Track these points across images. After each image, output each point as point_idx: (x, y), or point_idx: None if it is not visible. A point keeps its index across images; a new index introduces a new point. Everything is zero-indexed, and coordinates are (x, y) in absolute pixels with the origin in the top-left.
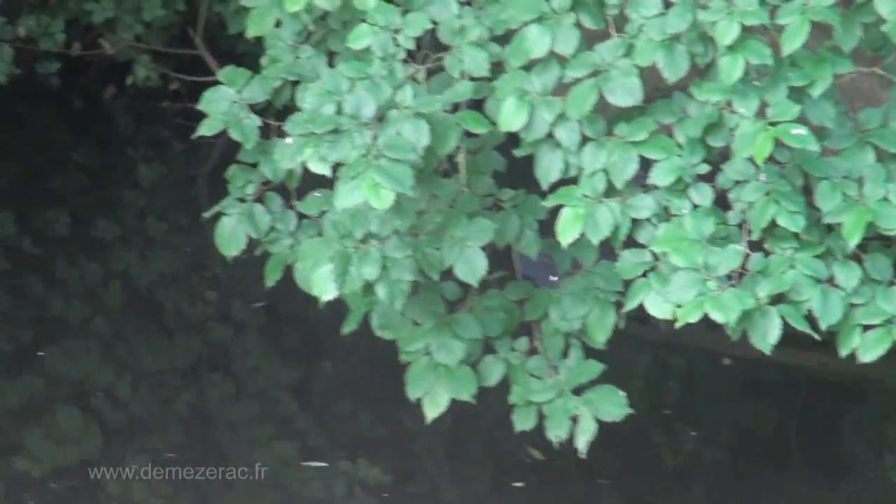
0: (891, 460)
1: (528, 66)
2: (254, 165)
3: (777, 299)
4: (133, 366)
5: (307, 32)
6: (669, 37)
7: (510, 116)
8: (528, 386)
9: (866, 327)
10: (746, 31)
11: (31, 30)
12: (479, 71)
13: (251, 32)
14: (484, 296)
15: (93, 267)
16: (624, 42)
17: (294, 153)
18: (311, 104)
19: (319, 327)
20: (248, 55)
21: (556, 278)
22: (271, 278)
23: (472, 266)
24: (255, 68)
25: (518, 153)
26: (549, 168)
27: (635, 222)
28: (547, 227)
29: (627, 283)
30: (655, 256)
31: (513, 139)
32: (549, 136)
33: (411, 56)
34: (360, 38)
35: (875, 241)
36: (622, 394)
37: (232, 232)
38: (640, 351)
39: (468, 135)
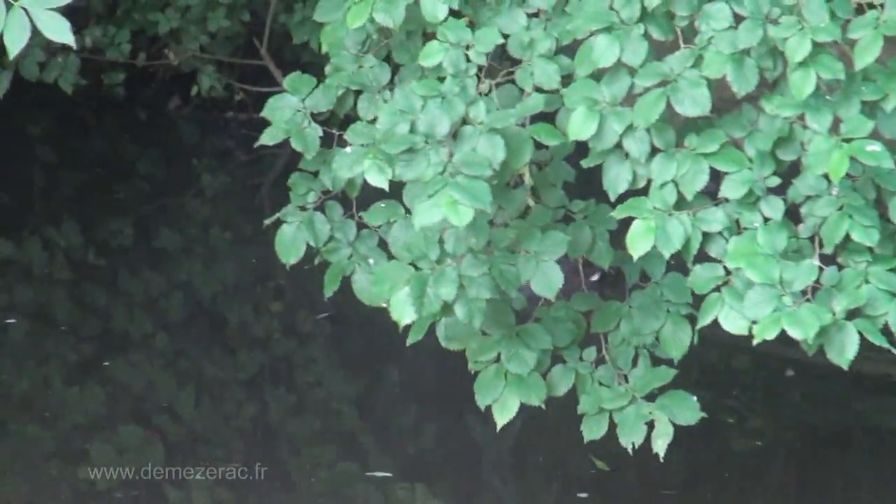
0: None
1: (595, 76)
2: (315, 174)
3: (852, 314)
4: (197, 376)
5: (371, 41)
6: (739, 51)
7: (579, 125)
8: (598, 394)
9: None
10: (817, 45)
11: (97, 40)
12: (549, 84)
13: (325, 47)
14: (552, 307)
15: (156, 277)
16: (693, 53)
17: (353, 163)
18: (384, 124)
19: (384, 338)
20: (313, 65)
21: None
22: (330, 288)
23: (549, 280)
24: (320, 79)
25: (586, 164)
26: (616, 179)
27: (706, 235)
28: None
29: (698, 298)
30: (727, 270)
31: (579, 151)
32: (618, 146)
33: (480, 70)
34: (432, 55)
35: None
36: (694, 398)
37: (291, 239)
38: (703, 357)
39: (537, 147)
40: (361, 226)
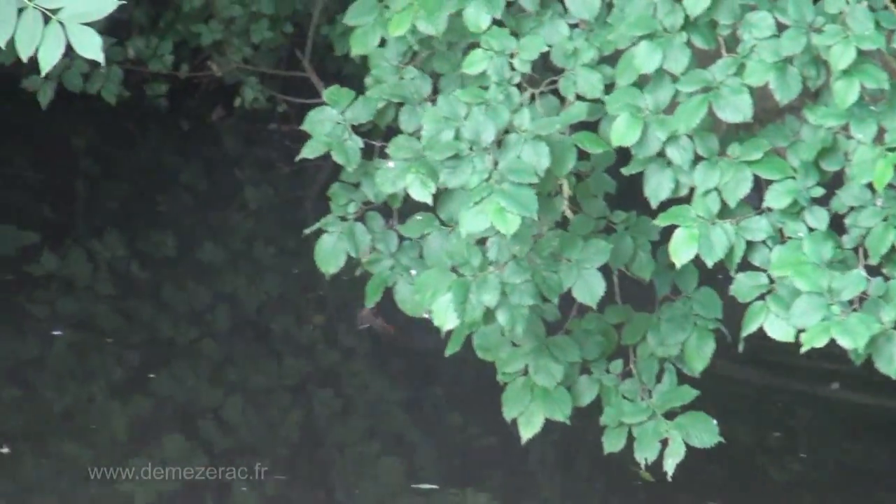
0: None
1: (637, 86)
2: (357, 185)
3: None
4: (241, 388)
5: (412, 53)
6: (782, 59)
7: (623, 132)
8: (620, 408)
9: None
10: (861, 54)
11: (140, 52)
12: (592, 93)
13: (355, 51)
14: (583, 318)
15: (200, 289)
16: (735, 61)
17: (395, 178)
18: (428, 131)
19: (426, 348)
20: (355, 77)
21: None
22: (371, 299)
23: (591, 288)
24: (361, 90)
25: (627, 171)
26: (658, 187)
27: (749, 244)
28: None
29: (728, 313)
30: (770, 279)
31: (619, 163)
32: (660, 154)
33: (523, 78)
34: (476, 63)
35: None
36: (714, 421)
37: (331, 249)
38: (749, 371)
39: (578, 157)
40: (403, 237)
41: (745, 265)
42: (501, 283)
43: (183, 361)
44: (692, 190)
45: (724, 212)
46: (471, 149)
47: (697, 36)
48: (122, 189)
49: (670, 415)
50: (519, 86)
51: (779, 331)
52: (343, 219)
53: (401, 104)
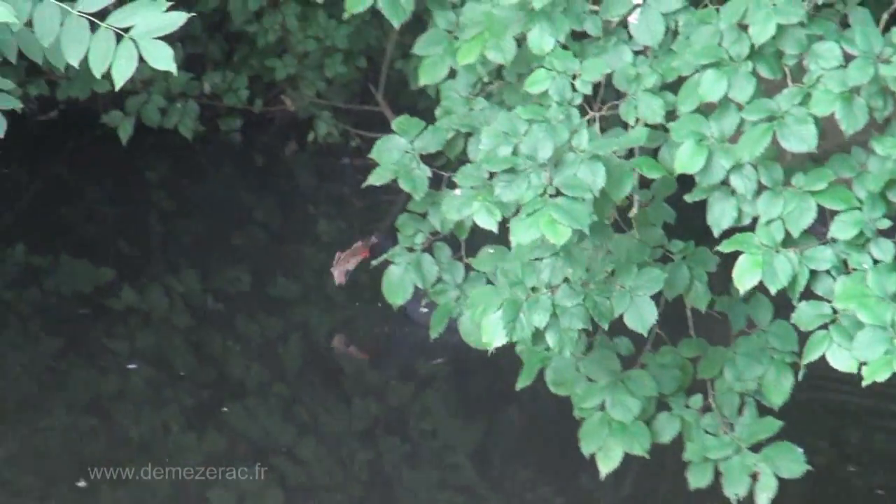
0: None
1: (700, 111)
2: (424, 215)
3: None
4: (314, 422)
5: (482, 84)
6: (849, 89)
7: (687, 159)
8: (703, 443)
9: None
10: None
11: (215, 86)
12: (653, 118)
13: (423, 81)
14: (658, 352)
15: (273, 323)
16: (801, 91)
17: (462, 206)
18: (486, 145)
19: (497, 384)
20: (430, 111)
21: (426, 309)
22: (436, 329)
23: (642, 315)
24: (433, 124)
25: (690, 198)
26: (721, 215)
27: (813, 273)
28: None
29: (803, 336)
30: (833, 309)
31: (678, 192)
32: (724, 182)
33: (586, 103)
34: (538, 82)
35: None
36: (800, 451)
37: (399, 281)
38: (822, 402)
39: (640, 185)
40: (470, 268)
41: (808, 294)
42: (553, 304)
43: (256, 396)
44: (755, 220)
45: (788, 241)
46: (527, 165)
47: (763, 65)
48: (196, 224)
49: (755, 447)
50: (580, 107)
51: (841, 361)
52: (410, 249)
53: (470, 134)
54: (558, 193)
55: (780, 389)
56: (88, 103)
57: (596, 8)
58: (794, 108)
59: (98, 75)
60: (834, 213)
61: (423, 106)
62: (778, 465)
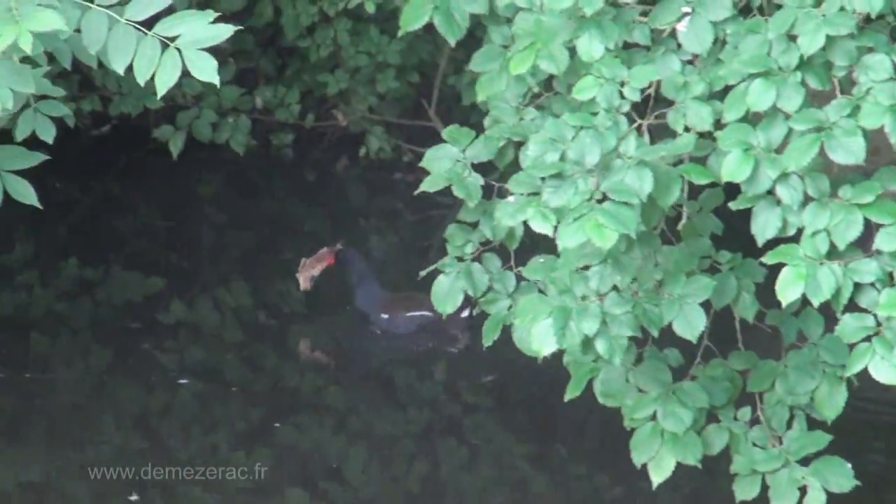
0: None
1: (746, 120)
2: (474, 226)
3: None
4: (366, 438)
5: (531, 94)
6: None
7: (734, 168)
8: (751, 456)
9: None
10: None
11: (267, 101)
12: (701, 126)
13: (481, 97)
14: (708, 365)
15: (324, 338)
16: (850, 103)
17: (515, 211)
18: (534, 151)
19: (549, 399)
20: (482, 126)
21: (386, 316)
22: (489, 338)
23: (692, 323)
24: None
25: (735, 206)
26: (766, 225)
27: (857, 286)
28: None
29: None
30: (877, 321)
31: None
32: (769, 192)
33: (634, 110)
34: (586, 89)
35: None
36: (848, 465)
37: (448, 289)
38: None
39: (688, 196)
40: (520, 278)
41: (852, 307)
42: (602, 312)
43: (307, 411)
44: (800, 230)
45: (833, 253)
46: (575, 170)
47: (812, 76)
48: (247, 238)
49: (804, 461)
50: (627, 115)
51: (884, 373)
52: (460, 259)
53: (521, 143)
54: (605, 199)
55: (833, 403)
56: (140, 119)
57: (644, 19)
58: (843, 119)
59: (142, 82)
60: (879, 225)
61: (475, 120)
62: (827, 478)
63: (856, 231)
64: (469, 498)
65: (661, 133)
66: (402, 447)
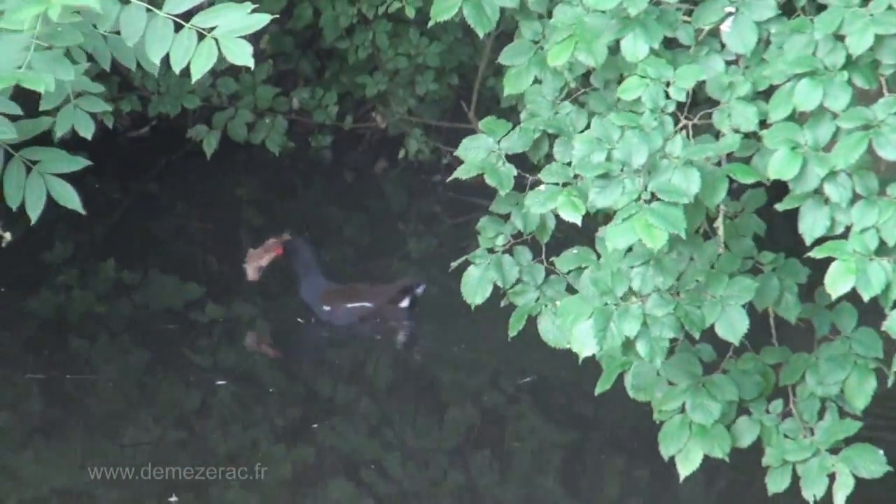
0: None
1: (793, 120)
2: (505, 218)
3: None
4: (403, 440)
5: (567, 89)
6: None
7: (781, 166)
8: (782, 447)
9: None
10: None
11: (304, 103)
12: (747, 126)
13: (507, 91)
14: (739, 358)
15: (362, 341)
16: None
17: (546, 199)
18: (580, 151)
19: (586, 401)
20: None
21: (328, 308)
22: (514, 329)
23: (734, 325)
24: None
25: (781, 207)
26: (814, 223)
27: None
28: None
29: (889, 352)
30: None
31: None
32: (817, 191)
33: (679, 110)
34: (631, 89)
35: None
36: (880, 451)
37: (478, 280)
38: None
39: (729, 195)
40: (550, 271)
41: None
42: (643, 314)
43: (346, 412)
44: (847, 229)
45: (881, 250)
46: (621, 170)
47: (858, 75)
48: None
49: (834, 451)
50: (673, 115)
51: None
52: (491, 251)
53: (555, 136)
54: (653, 199)
55: (862, 393)
56: (178, 121)
57: (688, 18)
58: (891, 117)
59: (177, 70)
60: None
61: (514, 122)
62: (857, 465)
63: None
64: (506, 495)
65: (701, 132)
66: (441, 448)
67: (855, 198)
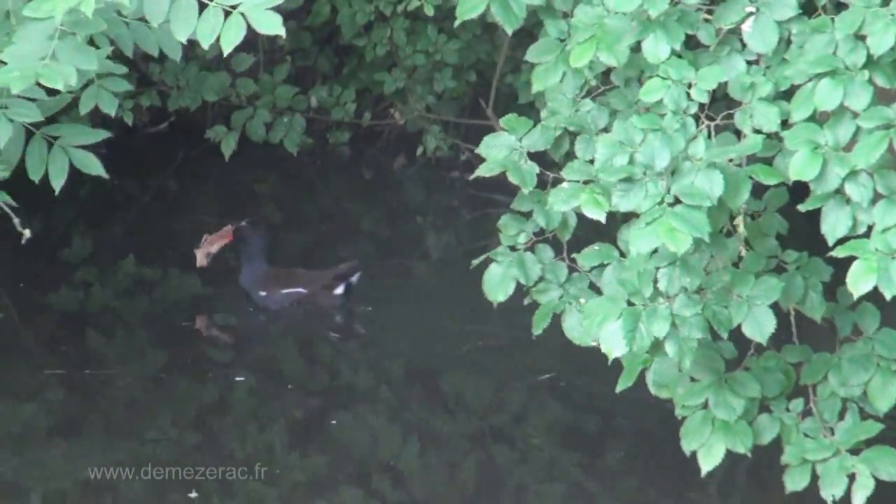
0: None
1: (813, 120)
2: (527, 216)
3: None
4: (421, 437)
5: (588, 87)
6: None
7: (802, 167)
8: (802, 446)
9: None
10: None
11: (322, 100)
12: (768, 126)
13: (536, 88)
14: (762, 357)
15: (380, 336)
16: None
17: (569, 197)
18: (602, 154)
19: (604, 398)
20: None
21: (264, 293)
22: (539, 327)
23: (761, 324)
24: None
25: (803, 208)
26: (836, 224)
27: None
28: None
29: None
30: None
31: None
32: (838, 191)
33: (700, 110)
34: (653, 91)
35: None
36: None
37: (500, 278)
38: None
39: (752, 195)
40: (572, 268)
41: None
42: (672, 314)
43: (365, 407)
44: (870, 229)
45: None
46: (644, 174)
47: (880, 74)
48: (303, 236)
49: (854, 451)
50: (695, 117)
51: None
52: (513, 248)
53: (576, 134)
54: (676, 202)
55: (886, 395)
56: (197, 116)
57: (709, 17)
58: None
59: (206, 46)
60: None
61: (533, 119)
62: (877, 466)
63: None
64: (522, 499)
65: (717, 131)
66: (457, 445)
67: (876, 197)
